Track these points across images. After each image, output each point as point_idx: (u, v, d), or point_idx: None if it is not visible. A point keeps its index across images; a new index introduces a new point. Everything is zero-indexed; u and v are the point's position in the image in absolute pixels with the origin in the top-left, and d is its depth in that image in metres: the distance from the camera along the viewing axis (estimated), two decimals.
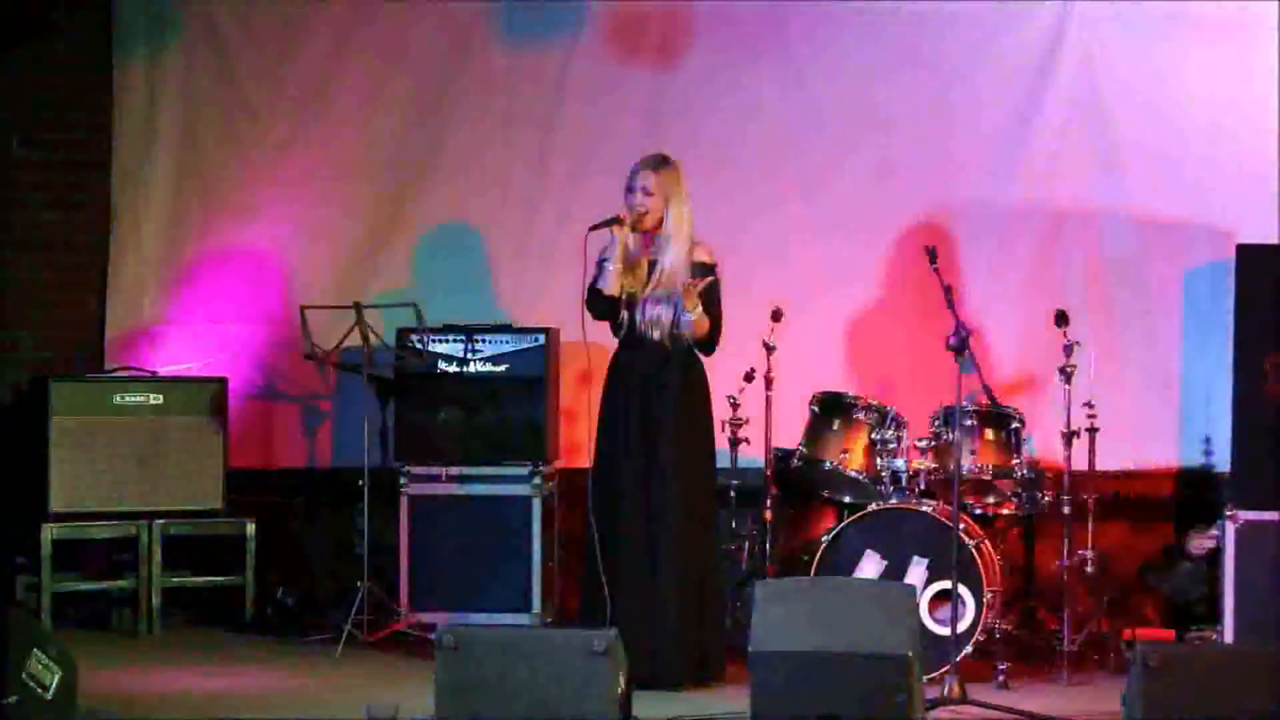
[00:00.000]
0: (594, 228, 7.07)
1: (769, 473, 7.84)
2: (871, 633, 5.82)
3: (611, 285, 7.09)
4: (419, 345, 8.21)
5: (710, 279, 7.09)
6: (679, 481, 7.09)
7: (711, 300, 7.14)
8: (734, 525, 7.96)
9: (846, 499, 7.75)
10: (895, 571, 7.26)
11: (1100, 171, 8.33)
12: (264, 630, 8.26)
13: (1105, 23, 8.31)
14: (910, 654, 5.78)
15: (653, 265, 7.15)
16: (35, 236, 8.94)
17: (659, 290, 7.11)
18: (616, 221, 7.09)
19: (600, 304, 7.13)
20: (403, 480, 8.18)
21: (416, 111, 8.82)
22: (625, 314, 7.14)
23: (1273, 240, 7.84)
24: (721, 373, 7.52)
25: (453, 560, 8.11)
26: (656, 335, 7.12)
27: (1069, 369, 7.49)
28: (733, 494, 7.92)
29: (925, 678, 6.22)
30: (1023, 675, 7.28)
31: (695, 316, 7.06)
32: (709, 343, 7.20)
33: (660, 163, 7.15)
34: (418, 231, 8.81)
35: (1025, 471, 7.59)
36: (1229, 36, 8.21)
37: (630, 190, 7.13)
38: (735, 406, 7.88)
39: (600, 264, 7.13)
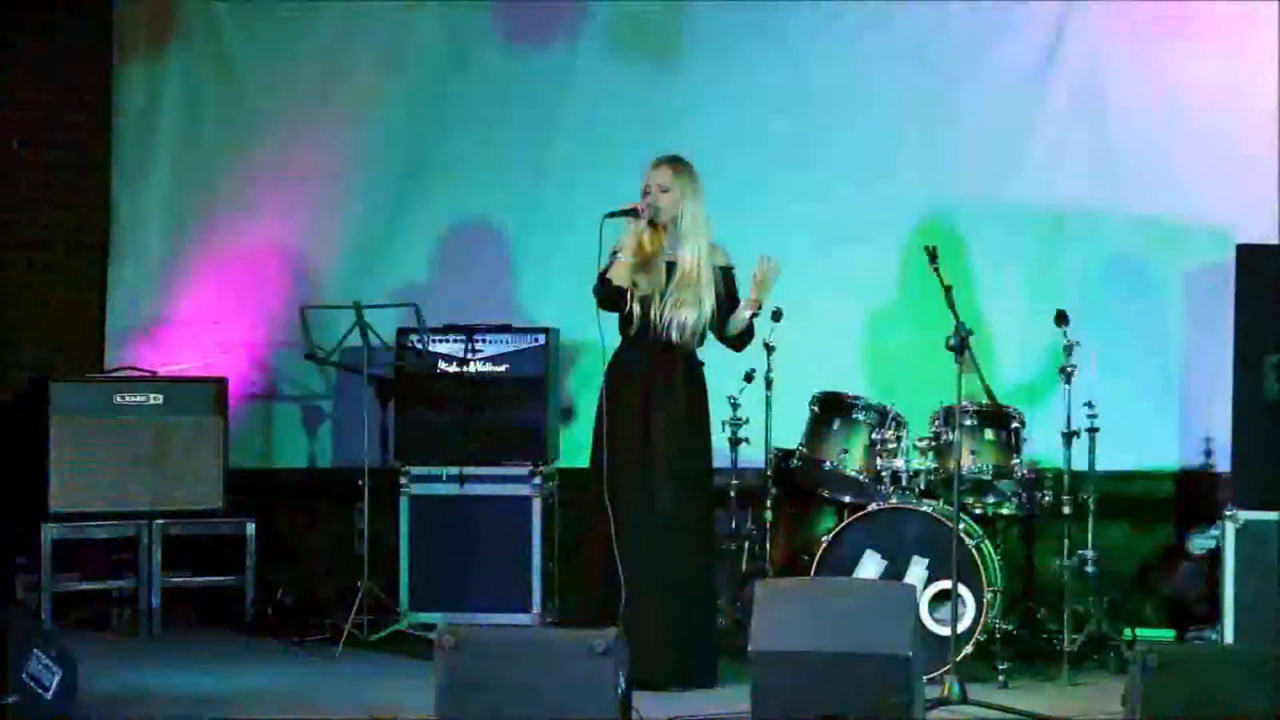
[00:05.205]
0: (610, 215, 7.06)
1: (769, 473, 7.84)
2: (871, 633, 5.82)
3: (621, 277, 7.09)
4: (419, 345, 8.22)
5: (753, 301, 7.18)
6: (680, 483, 7.09)
7: (736, 302, 7.21)
8: (734, 525, 7.96)
9: (846, 499, 7.74)
10: (895, 571, 7.26)
11: (1100, 171, 8.33)
12: (264, 630, 8.26)
13: (1105, 22, 8.31)
14: (910, 654, 5.78)
15: (671, 265, 7.15)
16: (35, 236, 8.95)
17: (681, 291, 7.11)
18: (633, 214, 7.09)
19: (609, 293, 7.11)
20: (403, 480, 8.18)
21: (416, 112, 8.83)
22: (638, 311, 7.13)
23: (1273, 240, 7.85)
24: (721, 373, 7.52)
25: (453, 560, 8.11)
26: (676, 336, 7.13)
27: (1069, 369, 7.49)
28: (733, 494, 7.92)
29: (925, 678, 6.22)
30: (1023, 675, 7.27)
31: (750, 313, 7.16)
32: (751, 336, 7.29)
33: (675, 161, 7.17)
34: (417, 232, 8.81)
35: (1025, 471, 7.59)
36: (1229, 36, 8.21)
37: (646, 190, 7.13)
38: (735, 406, 7.87)
39: (614, 255, 7.13)
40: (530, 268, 8.74)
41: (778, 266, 7.14)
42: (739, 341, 7.30)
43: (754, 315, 7.21)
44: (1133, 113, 8.30)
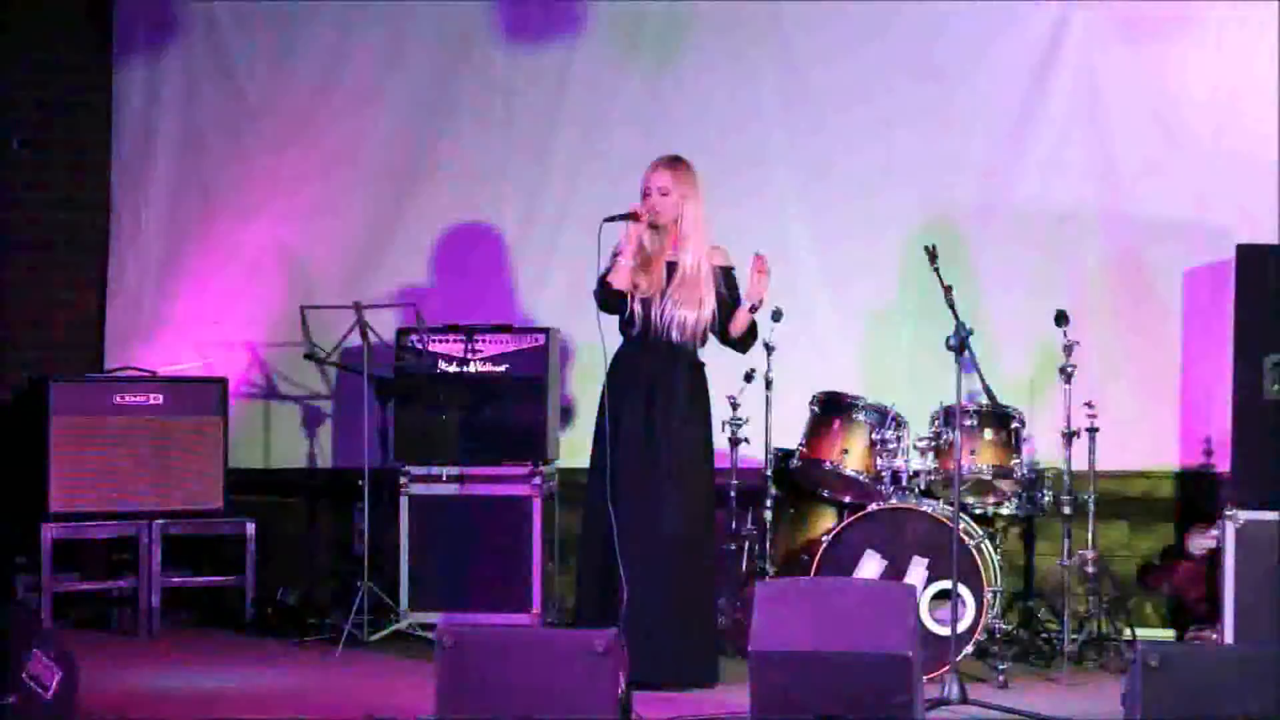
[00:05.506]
0: (609, 219, 7.06)
1: (769, 473, 7.84)
2: (871, 633, 5.82)
3: (622, 280, 7.09)
4: (419, 345, 8.22)
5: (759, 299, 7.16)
6: (680, 482, 7.09)
7: (738, 301, 7.20)
8: (734, 525, 7.96)
9: (846, 499, 7.75)
10: (895, 571, 7.26)
11: (1100, 171, 8.33)
12: (264, 630, 8.26)
13: (1105, 23, 8.31)
14: (910, 654, 5.78)
15: (671, 266, 7.16)
16: (35, 236, 8.95)
17: (682, 291, 7.12)
18: (632, 217, 7.09)
19: (610, 296, 7.12)
20: (403, 480, 8.18)
21: (416, 112, 8.82)
22: (639, 312, 7.13)
23: (1273, 240, 7.85)
24: (721, 373, 7.52)
25: (453, 560, 8.11)
26: (676, 336, 7.13)
27: (1069, 369, 7.50)
28: (733, 494, 7.92)
29: (925, 678, 6.22)
30: (1023, 675, 7.28)
31: (750, 307, 7.15)
32: (754, 338, 7.28)
33: (675, 162, 7.17)
34: (418, 231, 8.81)
35: (1025, 471, 7.59)
36: (1229, 37, 8.21)
37: (646, 192, 7.13)
38: (735, 406, 7.87)
39: (614, 257, 7.13)
40: (530, 268, 8.74)
41: (767, 266, 7.12)
42: (742, 343, 7.30)
43: (753, 311, 7.20)
44: (1132, 112, 8.30)
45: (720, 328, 7.23)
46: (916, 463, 7.54)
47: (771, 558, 7.87)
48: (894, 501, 7.43)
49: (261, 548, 8.40)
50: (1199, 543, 8.00)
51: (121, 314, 8.96)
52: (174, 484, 8.32)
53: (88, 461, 8.21)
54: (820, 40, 8.55)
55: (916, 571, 7.25)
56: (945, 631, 7.02)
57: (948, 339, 6.93)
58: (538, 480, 8.13)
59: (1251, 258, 7.39)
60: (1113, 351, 8.13)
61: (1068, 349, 7.51)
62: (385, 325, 8.24)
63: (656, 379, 7.15)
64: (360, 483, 8.05)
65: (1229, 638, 7.16)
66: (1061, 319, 7.53)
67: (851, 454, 7.62)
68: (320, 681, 7.26)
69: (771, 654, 5.82)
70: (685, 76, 8.64)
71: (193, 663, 7.60)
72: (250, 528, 8.37)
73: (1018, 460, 7.58)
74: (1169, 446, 8.27)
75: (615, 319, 7.19)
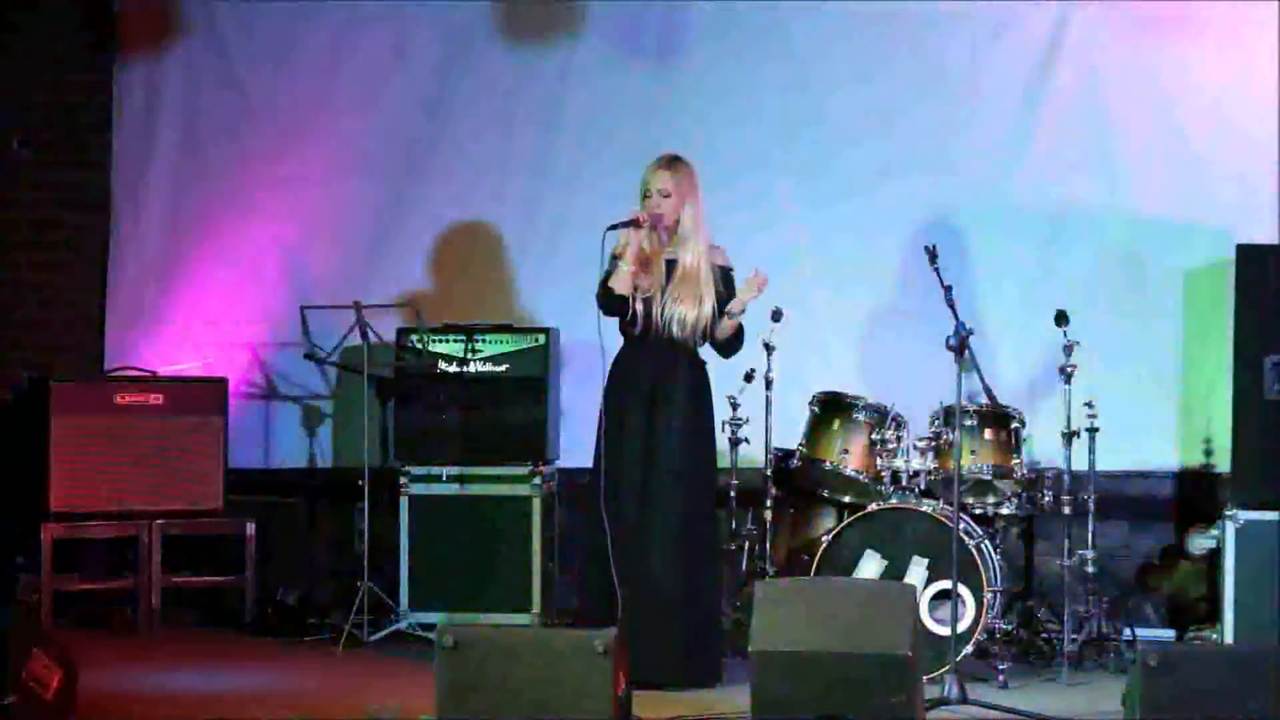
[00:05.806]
0: (612, 227, 7.07)
1: (769, 473, 7.84)
2: (871, 633, 5.82)
3: (623, 285, 7.09)
4: (419, 345, 8.22)
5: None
6: (682, 482, 7.09)
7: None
8: (734, 525, 7.96)
9: (846, 499, 7.75)
10: (895, 571, 7.26)
11: (1100, 171, 8.33)
12: (264, 630, 8.26)
13: (1105, 22, 8.31)
14: (910, 654, 5.78)
15: (671, 264, 7.16)
16: (35, 236, 8.95)
17: (682, 288, 7.12)
18: (634, 224, 7.09)
19: (611, 301, 7.12)
20: (403, 480, 8.18)
21: (416, 112, 8.83)
22: (640, 311, 7.13)
23: (1273, 240, 7.85)
24: (721, 373, 7.52)
25: (453, 560, 8.11)
26: (677, 332, 7.12)
27: (1069, 369, 7.49)
28: (733, 494, 7.92)
29: (925, 678, 6.22)
30: (1023, 675, 7.28)
31: (740, 312, 7.13)
32: (740, 343, 7.25)
33: (674, 162, 7.17)
34: (418, 231, 8.81)
35: (1025, 471, 7.59)
36: (1229, 37, 8.21)
37: (646, 193, 7.13)
38: (735, 406, 7.87)
39: (614, 259, 7.13)
40: (530, 268, 8.74)
41: (766, 279, 7.10)
42: (727, 347, 7.26)
43: (730, 316, 7.17)
44: (1132, 112, 8.29)
45: (714, 330, 7.22)
46: (916, 463, 7.53)
47: (771, 558, 7.87)
48: (894, 501, 7.43)
49: (261, 548, 8.40)
50: (1199, 543, 8.00)
51: (121, 314, 8.96)
52: (174, 484, 8.32)
53: (88, 461, 8.21)
54: (820, 40, 8.55)
55: (916, 571, 7.25)
56: (945, 631, 7.02)
57: (948, 339, 6.94)
58: (538, 480, 8.14)
59: (1251, 258, 7.39)
60: (1113, 351, 8.12)
61: (1068, 349, 7.50)
62: (385, 325, 8.23)
63: (658, 378, 7.15)
64: (360, 483, 8.05)
65: (1229, 638, 7.16)
66: (1061, 319, 7.53)
67: (851, 454, 7.62)
68: (320, 681, 7.26)
69: (771, 654, 5.82)
70: (685, 76, 8.64)
71: (193, 663, 7.60)
72: (250, 528, 8.38)
73: (1018, 460, 7.58)
74: (1169, 446, 8.27)
75: (615, 319, 7.19)
